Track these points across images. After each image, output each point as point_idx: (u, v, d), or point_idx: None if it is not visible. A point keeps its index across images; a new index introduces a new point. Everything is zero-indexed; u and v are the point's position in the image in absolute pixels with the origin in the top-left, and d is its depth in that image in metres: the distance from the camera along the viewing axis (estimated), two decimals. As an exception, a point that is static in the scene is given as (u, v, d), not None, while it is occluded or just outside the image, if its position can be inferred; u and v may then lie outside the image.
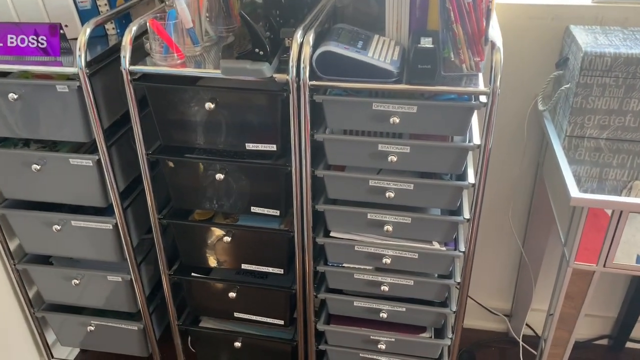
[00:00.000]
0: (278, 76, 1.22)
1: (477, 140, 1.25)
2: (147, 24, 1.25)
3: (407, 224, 1.34)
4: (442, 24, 1.16)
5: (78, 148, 1.52)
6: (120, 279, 1.63)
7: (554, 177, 1.48)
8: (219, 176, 1.38)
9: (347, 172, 1.33)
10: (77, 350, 2.03)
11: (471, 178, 1.28)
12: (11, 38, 1.35)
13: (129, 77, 1.29)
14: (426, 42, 1.16)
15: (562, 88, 1.40)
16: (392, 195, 1.30)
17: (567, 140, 1.38)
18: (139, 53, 1.33)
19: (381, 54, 1.21)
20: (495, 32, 1.17)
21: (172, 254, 1.62)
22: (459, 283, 1.40)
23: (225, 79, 1.23)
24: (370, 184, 1.31)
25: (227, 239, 1.48)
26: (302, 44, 1.19)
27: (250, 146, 1.34)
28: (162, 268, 1.59)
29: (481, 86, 1.17)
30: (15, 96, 1.34)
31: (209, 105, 1.28)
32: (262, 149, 1.34)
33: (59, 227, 1.54)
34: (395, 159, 1.25)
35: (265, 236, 1.47)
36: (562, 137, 1.39)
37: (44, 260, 1.71)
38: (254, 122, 1.31)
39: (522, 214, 1.85)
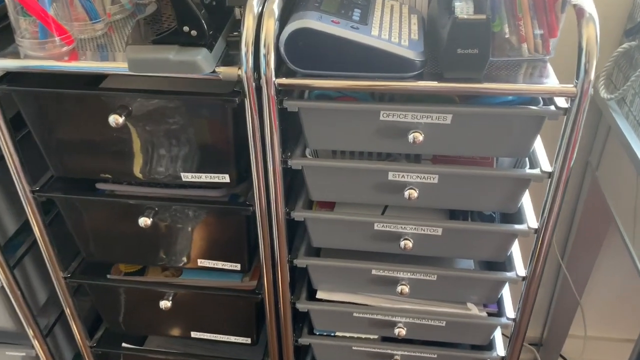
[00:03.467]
0: (224, 71, 0.75)
1: (544, 164, 0.80)
2: (1, -12, 0.75)
3: (431, 281, 0.90)
4: (493, -22, 0.70)
5: None
6: (22, 355, 1.16)
7: (624, 184, 1.05)
8: (145, 221, 0.91)
9: (338, 213, 0.88)
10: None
11: (530, 219, 0.84)
12: None
13: (-18, 78, 0.80)
14: (466, 8, 0.69)
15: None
16: (409, 244, 0.85)
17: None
18: (5, 36, 0.83)
19: (392, 30, 0.74)
20: (580, -10, 0.71)
21: (95, 317, 1.16)
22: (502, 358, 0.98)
23: (145, 76, 0.76)
24: (375, 227, 0.86)
25: (166, 303, 1.02)
26: (261, 15, 0.72)
27: (188, 177, 0.87)
28: (79, 340, 1.12)
29: (554, 81, 0.72)
30: None
31: (116, 119, 0.79)
32: (207, 180, 0.87)
33: None
34: (415, 193, 0.80)
35: (221, 299, 1.02)
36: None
37: None
38: (193, 142, 0.83)
39: (563, 224, 1.43)
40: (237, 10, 0.82)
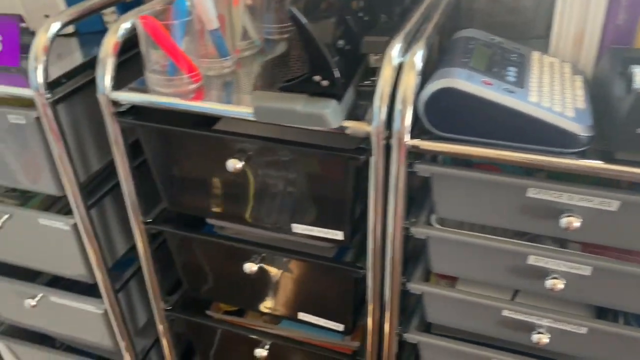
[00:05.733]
0: (352, 126, 0.67)
1: None
2: (137, 24, 0.74)
3: (564, 385, 0.77)
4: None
5: (58, 198, 1.05)
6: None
7: None
8: (250, 267, 0.86)
9: (463, 292, 0.77)
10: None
11: None
12: (-46, 36, 0.88)
13: (111, 109, 0.79)
14: (650, 78, 0.57)
15: None
16: (544, 339, 0.73)
17: None
18: (136, 69, 0.82)
19: (553, 95, 0.63)
20: None
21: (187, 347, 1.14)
22: None
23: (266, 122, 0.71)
24: (504, 314, 0.74)
25: (262, 352, 0.96)
26: (401, 67, 0.64)
27: (298, 228, 0.81)
28: (172, 371, 1.10)
29: None
30: (-46, 126, 0.88)
31: (234, 164, 0.75)
32: (319, 234, 0.80)
33: (33, 303, 1.08)
34: (561, 284, 0.68)
35: (321, 358, 0.94)
36: None
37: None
38: (309, 194, 0.77)
39: None
40: (372, 58, 0.75)
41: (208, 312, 1.04)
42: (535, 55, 0.71)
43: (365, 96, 0.72)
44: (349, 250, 0.91)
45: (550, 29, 0.76)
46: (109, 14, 0.99)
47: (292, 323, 0.99)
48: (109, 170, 0.98)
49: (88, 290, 1.08)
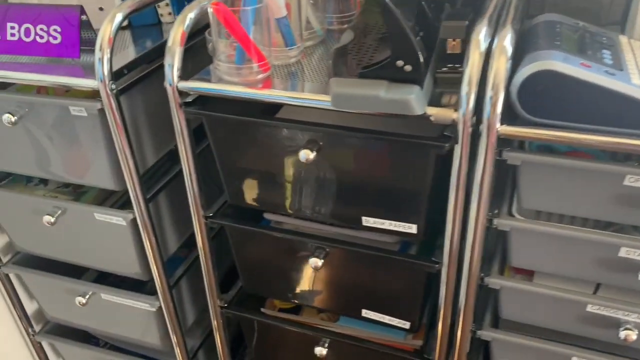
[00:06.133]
0: (437, 113, 0.65)
1: None
2: (209, 10, 0.72)
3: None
4: None
5: (111, 192, 1.03)
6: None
7: None
8: (315, 262, 0.84)
9: (546, 287, 0.74)
10: None
11: None
12: (12, 28, 0.87)
13: (178, 100, 0.77)
14: None
15: None
16: (632, 335, 0.70)
17: None
18: (200, 59, 0.81)
19: (654, 77, 0.60)
20: None
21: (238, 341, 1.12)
22: None
23: (335, 111, 0.68)
24: (588, 309, 0.71)
25: (322, 351, 0.94)
26: (490, 51, 0.62)
27: (369, 221, 0.79)
28: (224, 368, 1.08)
29: None
30: (13, 118, 0.87)
31: (307, 154, 0.73)
32: (391, 227, 0.78)
33: (84, 301, 1.07)
34: (654, 279, 0.65)
35: (384, 357, 0.92)
36: None
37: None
38: (383, 185, 0.75)
39: None
40: (450, 44, 0.72)
41: (263, 310, 1.02)
42: (624, 39, 0.69)
43: (444, 83, 0.69)
44: (412, 245, 0.88)
45: (628, 14, 0.73)
46: (162, 7, 0.97)
47: (350, 320, 0.96)
48: (162, 163, 0.97)
49: (135, 287, 1.07)
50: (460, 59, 0.72)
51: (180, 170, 0.84)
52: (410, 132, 0.70)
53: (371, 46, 0.77)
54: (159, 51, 0.79)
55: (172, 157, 0.95)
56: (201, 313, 1.14)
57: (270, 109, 0.87)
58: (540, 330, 0.78)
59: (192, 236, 0.92)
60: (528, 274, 0.78)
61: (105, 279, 1.19)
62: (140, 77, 0.85)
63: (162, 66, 0.76)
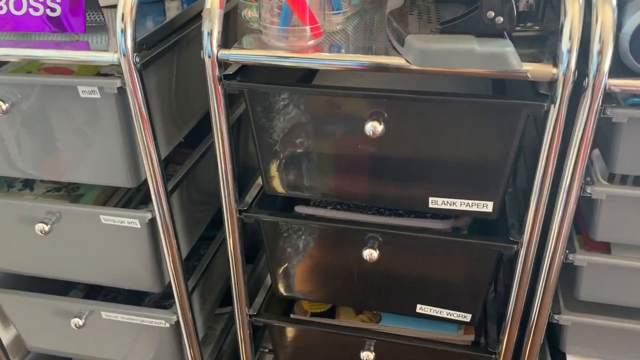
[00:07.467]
0: (534, 69, 0.58)
1: None
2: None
3: None
4: None
5: (111, 194, 0.90)
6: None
7: None
8: (370, 254, 0.75)
9: (633, 258, 0.69)
10: None
11: None
12: (-1, 0, 0.74)
13: (216, 73, 0.66)
14: None
15: None
16: None
17: None
18: (226, 30, 0.71)
19: None
20: None
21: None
22: None
23: (387, 80, 0.61)
24: (678, 282, 0.67)
25: (369, 355, 0.84)
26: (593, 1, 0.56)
27: (437, 202, 0.71)
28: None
29: None
30: (4, 106, 0.73)
31: (375, 127, 0.64)
32: (462, 207, 0.70)
33: (81, 322, 0.92)
34: None
35: (440, 356, 0.83)
36: None
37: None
38: (458, 158, 0.67)
39: None
40: (523, 1, 0.66)
41: (293, 316, 0.91)
42: None
43: (523, 42, 0.63)
44: (460, 230, 0.81)
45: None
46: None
47: (394, 319, 0.88)
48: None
49: (129, 302, 0.94)
50: (533, 16, 0.67)
51: (197, 160, 0.74)
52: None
53: (428, 7, 0.70)
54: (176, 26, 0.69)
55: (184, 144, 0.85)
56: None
57: (303, 79, 0.79)
58: (611, 309, 0.72)
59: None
60: (602, 250, 0.73)
61: (95, 297, 1.05)
62: (157, 53, 0.74)
63: (177, 41, 0.66)
